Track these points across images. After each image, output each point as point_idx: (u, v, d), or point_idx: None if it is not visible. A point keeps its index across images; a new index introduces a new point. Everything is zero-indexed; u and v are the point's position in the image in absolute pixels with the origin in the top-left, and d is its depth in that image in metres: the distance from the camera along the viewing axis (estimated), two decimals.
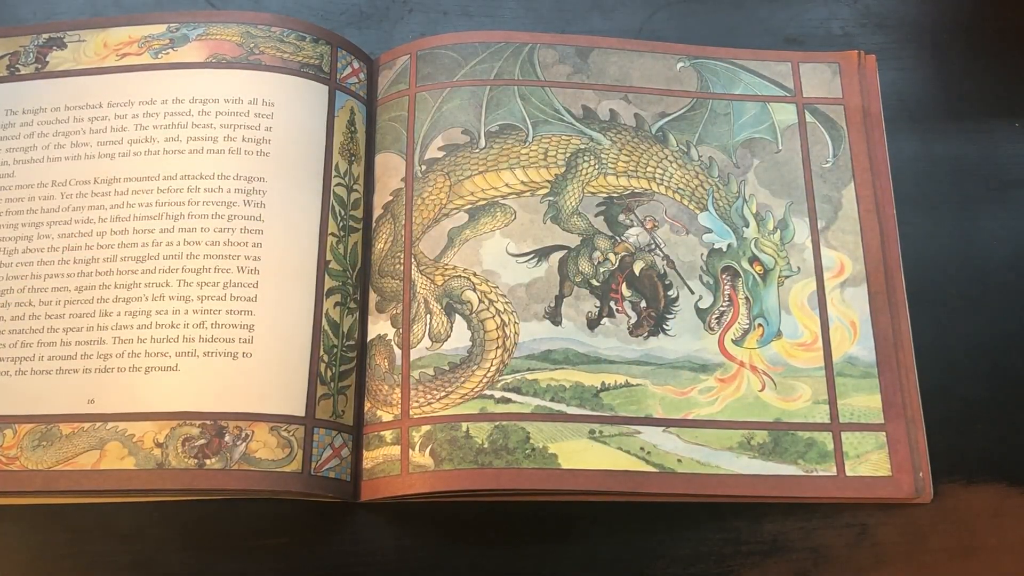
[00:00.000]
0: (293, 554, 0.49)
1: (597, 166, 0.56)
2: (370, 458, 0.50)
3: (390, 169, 0.55)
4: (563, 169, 0.55)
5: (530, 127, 0.56)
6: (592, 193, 0.55)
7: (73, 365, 0.49)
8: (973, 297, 0.55)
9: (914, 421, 0.51)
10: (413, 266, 0.53)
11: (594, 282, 0.53)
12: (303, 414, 0.49)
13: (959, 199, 0.58)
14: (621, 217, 0.55)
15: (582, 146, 0.56)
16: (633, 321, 0.53)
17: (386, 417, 0.50)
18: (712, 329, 0.53)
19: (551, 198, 0.55)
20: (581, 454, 0.49)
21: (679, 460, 0.49)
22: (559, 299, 0.53)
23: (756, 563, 0.50)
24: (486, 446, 0.49)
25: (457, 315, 0.52)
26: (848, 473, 0.50)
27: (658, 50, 0.59)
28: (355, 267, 0.53)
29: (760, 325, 0.53)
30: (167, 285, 0.50)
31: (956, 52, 0.62)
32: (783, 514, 0.50)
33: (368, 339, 0.52)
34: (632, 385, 0.51)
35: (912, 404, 0.52)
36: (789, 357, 0.52)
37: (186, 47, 0.56)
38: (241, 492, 0.48)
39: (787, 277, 0.54)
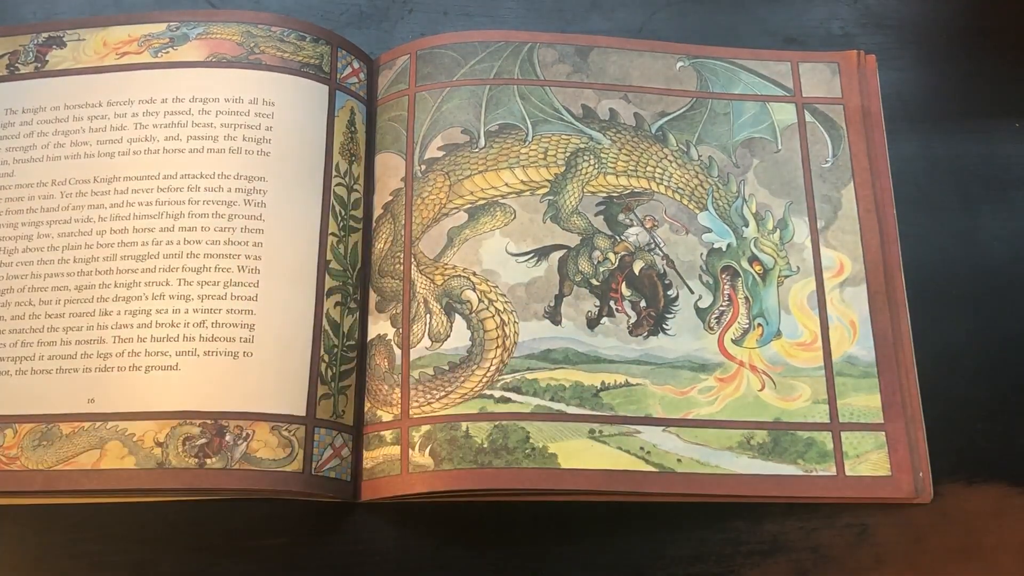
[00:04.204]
0: (293, 554, 0.49)
1: (597, 165, 0.56)
2: (370, 458, 0.50)
3: (390, 169, 0.55)
4: (563, 168, 0.55)
5: (530, 126, 0.56)
6: (592, 192, 0.55)
7: (73, 364, 0.49)
8: (973, 297, 0.55)
9: (914, 421, 0.51)
10: (413, 266, 0.53)
11: (594, 281, 0.53)
12: (304, 414, 0.49)
13: (959, 199, 0.58)
14: (621, 216, 0.55)
15: (582, 145, 0.56)
16: (633, 321, 0.53)
17: (386, 417, 0.50)
18: (712, 329, 0.53)
19: (551, 197, 0.55)
20: (581, 454, 0.49)
21: (679, 460, 0.49)
22: (559, 299, 0.53)
23: (756, 563, 0.50)
24: (486, 446, 0.49)
25: (457, 315, 0.52)
26: (848, 473, 0.50)
27: (658, 49, 0.59)
28: (355, 267, 0.53)
29: (760, 325, 0.53)
30: (167, 284, 0.50)
31: (956, 52, 0.62)
32: (783, 514, 0.51)
33: (368, 339, 0.52)
34: (632, 385, 0.51)
35: (912, 404, 0.52)
36: (789, 357, 0.52)
37: (186, 46, 0.56)
38: (242, 492, 0.48)
39: (787, 277, 0.54)
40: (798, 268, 0.54)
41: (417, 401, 0.50)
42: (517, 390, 0.50)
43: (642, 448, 0.50)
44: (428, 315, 0.52)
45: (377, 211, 0.55)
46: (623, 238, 0.54)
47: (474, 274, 0.52)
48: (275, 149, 0.53)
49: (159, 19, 0.57)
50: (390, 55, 0.58)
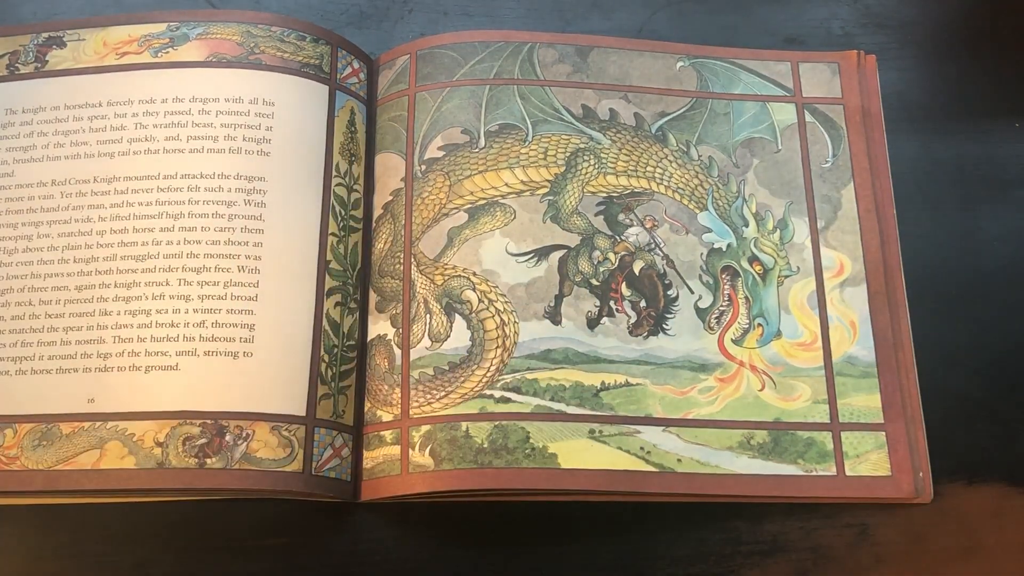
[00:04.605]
0: (293, 554, 0.49)
1: (597, 165, 0.56)
2: (370, 458, 0.50)
3: (390, 169, 0.55)
4: (563, 168, 0.55)
5: (530, 126, 0.56)
6: (592, 192, 0.55)
7: (73, 364, 0.49)
8: (973, 297, 0.55)
9: (914, 421, 0.51)
10: (413, 266, 0.53)
11: (594, 281, 0.53)
12: (304, 414, 0.49)
13: (959, 199, 0.58)
14: (621, 216, 0.55)
15: (582, 145, 0.56)
16: (633, 321, 0.53)
17: (386, 417, 0.50)
18: (712, 329, 0.53)
19: (551, 197, 0.55)
20: (581, 454, 0.49)
21: (679, 460, 0.49)
22: (559, 299, 0.53)
23: (756, 563, 0.50)
24: (486, 446, 0.49)
25: (457, 315, 0.52)
26: (848, 473, 0.50)
27: (658, 49, 0.59)
28: (355, 267, 0.53)
29: (760, 325, 0.53)
30: (167, 284, 0.50)
31: (956, 52, 0.62)
32: (783, 514, 0.50)
33: (368, 339, 0.52)
34: (632, 385, 0.51)
35: (912, 404, 0.52)
36: (789, 357, 0.52)
37: (186, 46, 0.56)
38: (242, 492, 0.48)
39: (787, 277, 0.54)
40: (798, 268, 0.54)
41: (417, 401, 0.50)
42: (517, 390, 0.50)
43: (642, 448, 0.50)
44: (428, 315, 0.52)
45: (377, 211, 0.55)
46: (623, 238, 0.54)
47: (474, 274, 0.52)
48: (275, 149, 0.53)
49: (159, 19, 0.57)
50: (390, 55, 0.58)
